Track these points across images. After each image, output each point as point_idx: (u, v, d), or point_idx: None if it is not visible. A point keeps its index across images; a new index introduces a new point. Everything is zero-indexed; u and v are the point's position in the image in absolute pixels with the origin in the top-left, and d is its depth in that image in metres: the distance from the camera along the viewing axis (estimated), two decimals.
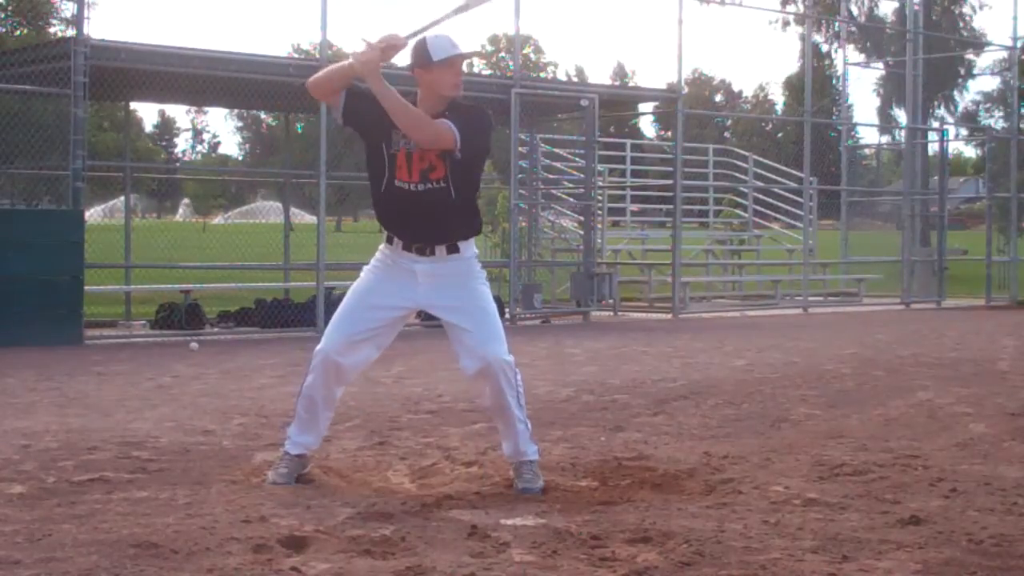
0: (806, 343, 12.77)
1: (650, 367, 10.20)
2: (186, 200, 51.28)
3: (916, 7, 24.24)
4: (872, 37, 33.75)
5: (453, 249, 5.00)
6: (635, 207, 22.71)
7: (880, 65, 32.13)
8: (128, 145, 19.19)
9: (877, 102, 39.14)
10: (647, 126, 71.99)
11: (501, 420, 5.06)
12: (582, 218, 17.48)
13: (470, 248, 5.07)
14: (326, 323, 5.27)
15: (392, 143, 4.96)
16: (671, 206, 18.09)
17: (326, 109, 13.06)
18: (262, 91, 14.29)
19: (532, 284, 16.36)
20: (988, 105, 40.95)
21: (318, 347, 5.07)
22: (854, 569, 3.81)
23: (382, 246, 5.14)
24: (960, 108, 40.66)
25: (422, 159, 4.93)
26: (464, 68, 5.06)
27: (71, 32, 14.21)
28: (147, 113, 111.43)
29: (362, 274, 5.17)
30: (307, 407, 5.11)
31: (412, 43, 4.97)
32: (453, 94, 4.97)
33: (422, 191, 4.94)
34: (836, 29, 35.19)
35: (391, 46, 4.91)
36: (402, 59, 5.23)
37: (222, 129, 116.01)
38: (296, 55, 53.10)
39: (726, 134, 72.22)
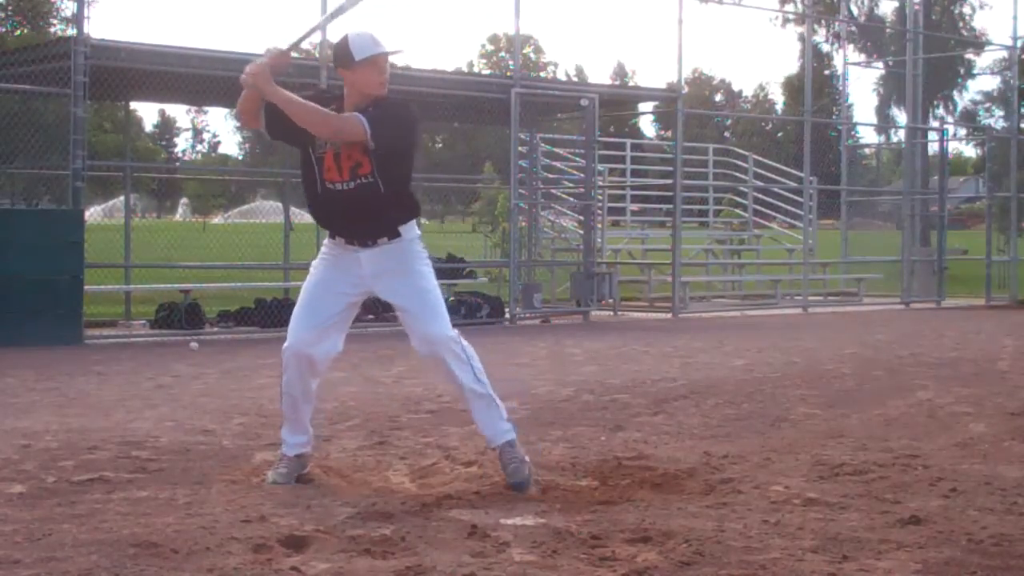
0: (806, 343, 12.77)
1: (650, 367, 10.20)
2: (184, 200, 51.25)
3: (916, 7, 24.23)
4: (872, 37, 33.77)
5: (394, 234, 5.06)
6: (635, 207, 22.69)
7: (880, 65, 32.15)
8: (128, 145, 19.19)
9: (877, 102, 39.19)
10: (647, 126, 72.00)
11: (468, 401, 5.09)
12: (582, 218, 17.47)
13: (411, 230, 5.12)
14: None
15: (317, 146, 5.03)
16: (671, 206, 18.09)
17: None
18: None
19: (532, 284, 16.36)
20: (988, 105, 40.99)
21: (284, 345, 5.17)
22: (854, 569, 3.81)
23: (326, 241, 5.22)
24: (960, 108, 40.69)
25: (349, 157, 4.97)
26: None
27: (71, 32, 14.21)
28: (147, 113, 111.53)
29: (311, 270, 5.25)
30: (290, 405, 5.20)
31: (297, 50, 5.05)
32: (379, 92, 5.00)
33: (352, 188, 4.99)
34: (836, 29, 35.21)
35: (276, 56, 5.03)
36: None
37: (222, 129, 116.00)
38: (296, 55, 53.05)
39: (726, 134, 72.22)
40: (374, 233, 5.05)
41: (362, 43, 4.96)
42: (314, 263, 5.25)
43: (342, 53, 5.00)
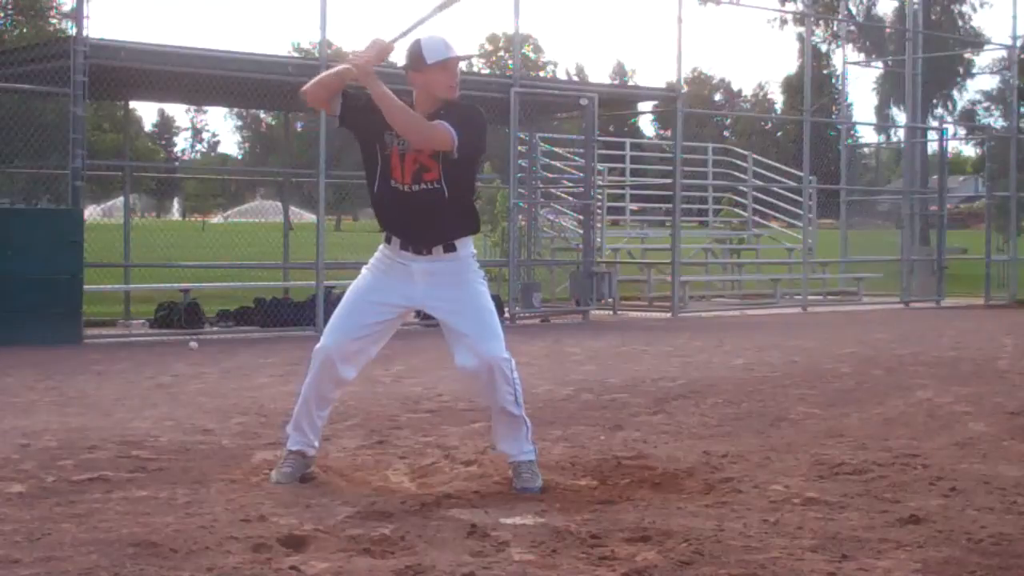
0: (805, 342, 12.77)
1: (649, 366, 10.20)
2: (177, 199, 51.18)
3: (915, 6, 24.24)
4: (871, 36, 33.79)
5: (450, 248, 5.01)
6: (634, 206, 22.70)
7: (879, 64, 32.15)
8: (128, 144, 19.18)
9: (876, 101, 39.21)
10: (647, 125, 72.02)
11: (500, 419, 5.06)
12: (581, 217, 17.48)
13: (467, 247, 5.08)
14: (326, 322, 5.29)
15: (385, 144, 4.98)
16: (670, 205, 18.09)
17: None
18: (261, 90, 14.29)
19: (531, 283, 16.36)
20: (987, 104, 41.00)
21: (318, 345, 5.09)
22: (854, 568, 3.81)
23: (381, 245, 5.16)
24: (959, 107, 40.71)
25: (415, 160, 4.94)
26: (463, 68, 5.07)
27: (70, 30, 14.20)
28: (146, 112, 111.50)
29: (362, 272, 5.19)
30: (303, 408, 5.15)
31: (400, 44, 5.00)
32: (449, 96, 4.98)
33: (416, 191, 4.96)
34: (835, 28, 35.22)
35: (382, 49, 4.96)
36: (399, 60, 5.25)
37: (222, 128, 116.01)
38: (296, 54, 53.09)
39: (725, 133, 72.24)
40: (431, 239, 4.99)
41: (434, 47, 4.93)
42: (366, 266, 5.18)
43: (414, 57, 4.95)
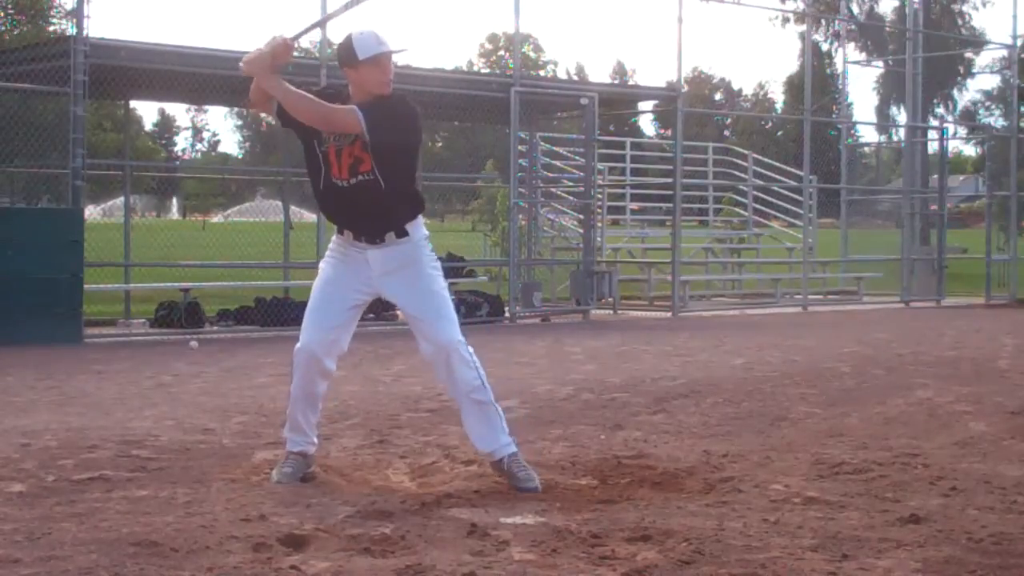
0: (806, 341, 12.77)
1: (650, 365, 10.20)
2: (177, 198, 51.14)
3: (916, 5, 24.23)
4: (872, 35, 33.80)
5: (402, 233, 5.05)
6: (635, 205, 22.70)
7: (880, 63, 32.16)
8: (128, 144, 19.17)
9: (877, 100, 39.21)
10: (647, 124, 71.96)
11: (470, 410, 5.04)
12: (582, 216, 17.48)
13: (419, 230, 5.11)
14: None
15: (322, 140, 5.03)
16: (671, 204, 18.09)
17: None
18: None
19: (532, 283, 16.36)
20: (988, 103, 40.99)
21: (298, 346, 5.13)
22: (854, 567, 3.81)
23: (334, 237, 5.22)
24: (960, 106, 40.70)
25: (350, 154, 4.97)
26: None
27: (71, 29, 14.20)
28: (147, 112, 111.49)
29: (321, 265, 5.25)
30: (294, 409, 5.18)
31: (307, 39, 5.06)
32: (383, 91, 4.99)
33: (353, 184, 5.00)
34: (836, 27, 35.22)
35: (278, 46, 5.02)
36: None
37: (222, 128, 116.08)
38: (296, 53, 52.99)
39: (726, 132, 72.22)
40: (379, 230, 5.03)
41: (365, 42, 4.95)
42: (323, 262, 5.24)
43: (346, 52, 4.99)
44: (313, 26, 5.23)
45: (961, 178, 54.43)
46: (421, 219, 5.14)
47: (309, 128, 5.01)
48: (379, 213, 5.01)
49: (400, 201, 5.04)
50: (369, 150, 4.92)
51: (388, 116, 4.94)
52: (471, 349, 5.02)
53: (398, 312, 14.95)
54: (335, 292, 5.10)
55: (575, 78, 65.85)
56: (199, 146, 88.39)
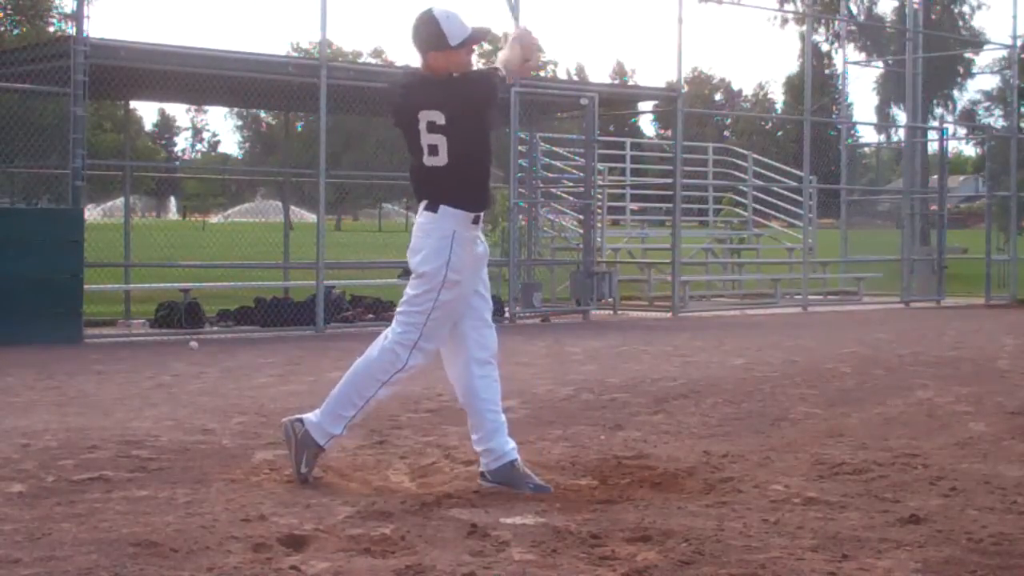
0: (806, 342, 12.77)
1: (650, 366, 10.20)
2: (175, 198, 51.14)
3: (916, 6, 24.25)
4: (872, 36, 33.79)
5: (431, 208, 4.96)
6: (635, 206, 22.70)
7: (880, 64, 32.15)
8: (128, 144, 19.18)
9: (876, 101, 39.22)
10: (647, 125, 72.01)
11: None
12: (582, 217, 17.47)
13: (447, 217, 4.94)
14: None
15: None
16: (671, 205, 18.09)
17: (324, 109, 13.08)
18: (262, 90, 14.29)
19: (532, 283, 16.35)
20: (987, 104, 41.01)
21: (423, 360, 5.15)
22: (854, 568, 3.81)
23: (459, 229, 5.06)
24: (959, 107, 40.72)
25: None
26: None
27: (70, 30, 14.20)
28: (147, 112, 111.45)
29: (449, 276, 5.06)
30: (368, 412, 5.21)
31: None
32: (467, 70, 5.01)
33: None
34: (836, 28, 35.21)
35: (525, 36, 5.01)
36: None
37: (222, 128, 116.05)
38: (295, 54, 53.07)
39: (726, 133, 72.22)
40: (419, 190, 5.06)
41: (455, 26, 4.91)
42: (454, 271, 4.96)
43: (435, 36, 4.89)
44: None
45: (961, 178, 54.46)
46: (461, 212, 5.06)
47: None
48: (432, 171, 5.01)
49: (451, 178, 4.98)
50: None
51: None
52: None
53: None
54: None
55: (575, 78, 65.94)
56: (199, 146, 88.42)
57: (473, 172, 4.98)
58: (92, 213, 18.28)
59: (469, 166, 4.94)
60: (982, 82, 55.14)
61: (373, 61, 65.40)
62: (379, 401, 5.07)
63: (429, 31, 4.92)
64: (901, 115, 28.93)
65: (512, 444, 5.01)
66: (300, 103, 15.33)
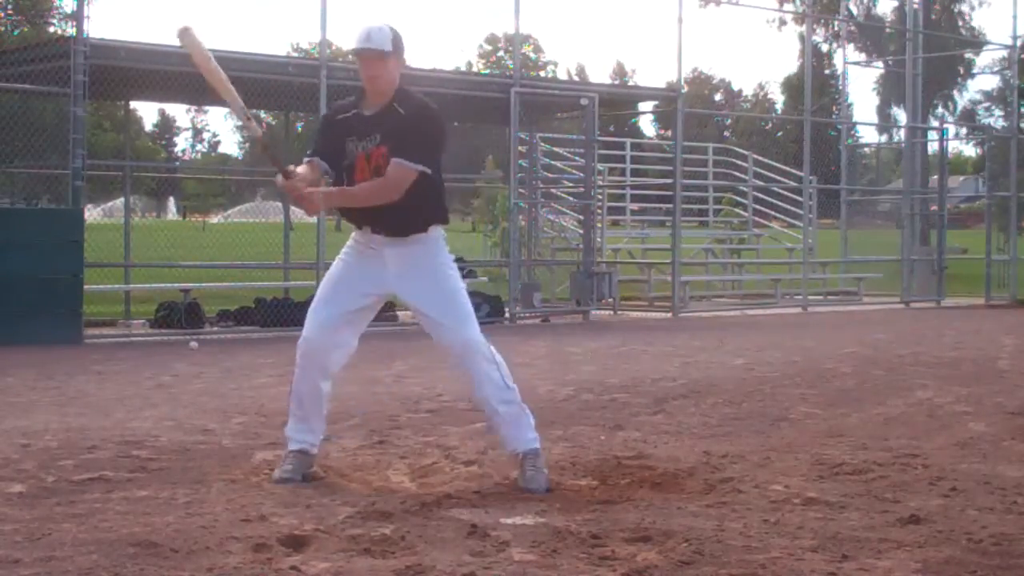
0: (806, 342, 12.77)
1: (650, 366, 10.20)
2: (174, 198, 51.10)
3: (915, 6, 24.26)
4: (871, 36, 33.80)
5: (421, 230, 5.02)
6: (635, 206, 22.71)
7: (880, 64, 32.16)
8: (128, 144, 19.18)
9: (876, 101, 39.23)
10: (647, 125, 71.96)
11: (493, 408, 5.02)
12: (582, 217, 17.48)
13: (436, 229, 5.08)
14: None
15: (347, 154, 5.04)
16: (671, 205, 18.09)
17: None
18: (261, 90, 14.27)
19: (532, 283, 16.36)
20: (987, 104, 41.00)
21: (300, 339, 5.12)
22: (854, 568, 3.81)
23: (354, 232, 5.19)
24: (960, 107, 40.72)
25: (380, 156, 4.95)
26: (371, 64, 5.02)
27: (70, 30, 14.20)
28: (147, 112, 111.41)
29: (335, 262, 5.23)
30: (297, 402, 5.18)
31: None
32: (367, 87, 5.06)
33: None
34: (836, 28, 35.22)
35: (288, 188, 4.98)
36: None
37: (222, 128, 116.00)
38: (295, 54, 53.05)
39: (726, 133, 72.18)
40: (398, 228, 5.00)
41: (356, 36, 5.03)
42: (340, 256, 5.20)
43: (399, 43, 5.03)
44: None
45: (961, 178, 54.49)
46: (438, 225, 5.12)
47: (335, 150, 5.04)
48: (398, 214, 4.97)
49: (423, 201, 5.00)
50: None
51: (428, 138, 4.98)
52: (493, 348, 5.01)
53: (398, 313, 15.02)
54: (345, 288, 5.09)
55: (575, 78, 65.84)
56: (199, 147, 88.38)
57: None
58: (92, 213, 18.31)
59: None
60: (982, 82, 55.17)
61: None
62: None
63: (400, 43, 5.08)
64: (901, 115, 28.93)
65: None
66: (300, 103, 15.33)
